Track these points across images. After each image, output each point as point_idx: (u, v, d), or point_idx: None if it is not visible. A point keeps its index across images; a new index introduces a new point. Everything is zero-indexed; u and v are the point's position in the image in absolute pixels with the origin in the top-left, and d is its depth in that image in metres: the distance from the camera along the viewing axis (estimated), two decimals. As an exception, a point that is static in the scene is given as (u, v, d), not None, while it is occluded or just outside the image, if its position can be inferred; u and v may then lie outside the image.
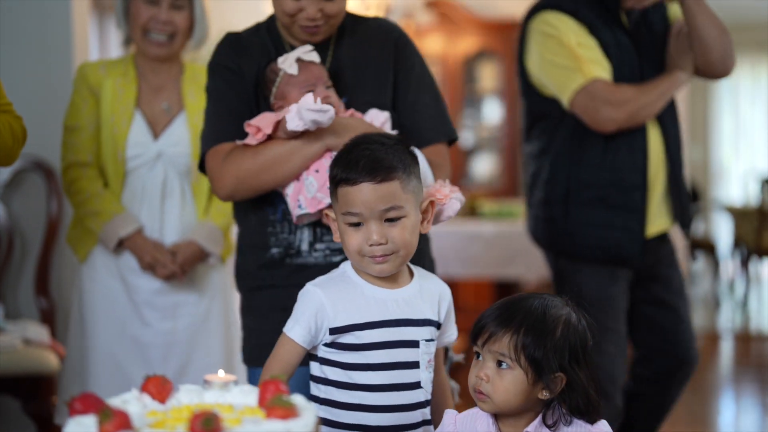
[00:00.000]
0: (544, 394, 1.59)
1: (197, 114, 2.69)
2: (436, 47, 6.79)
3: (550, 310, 1.62)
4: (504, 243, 4.82)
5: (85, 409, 1.23)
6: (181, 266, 2.68)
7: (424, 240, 2.21)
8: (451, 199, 1.97)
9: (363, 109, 2.08)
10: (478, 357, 1.63)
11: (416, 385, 1.75)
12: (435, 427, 1.78)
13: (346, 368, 1.75)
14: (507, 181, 6.74)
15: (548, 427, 1.60)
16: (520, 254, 4.78)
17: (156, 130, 2.75)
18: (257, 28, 2.19)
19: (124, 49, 2.95)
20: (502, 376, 1.59)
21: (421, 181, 1.80)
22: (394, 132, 2.06)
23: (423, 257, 2.18)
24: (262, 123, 1.99)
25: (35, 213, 3.46)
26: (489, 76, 6.98)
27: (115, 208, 2.68)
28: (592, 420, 1.61)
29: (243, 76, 2.11)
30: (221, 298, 2.82)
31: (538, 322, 1.59)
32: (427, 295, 1.80)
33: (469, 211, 5.14)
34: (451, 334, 1.87)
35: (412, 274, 1.82)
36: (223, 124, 2.09)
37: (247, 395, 1.34)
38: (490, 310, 1.64)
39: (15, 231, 3.47)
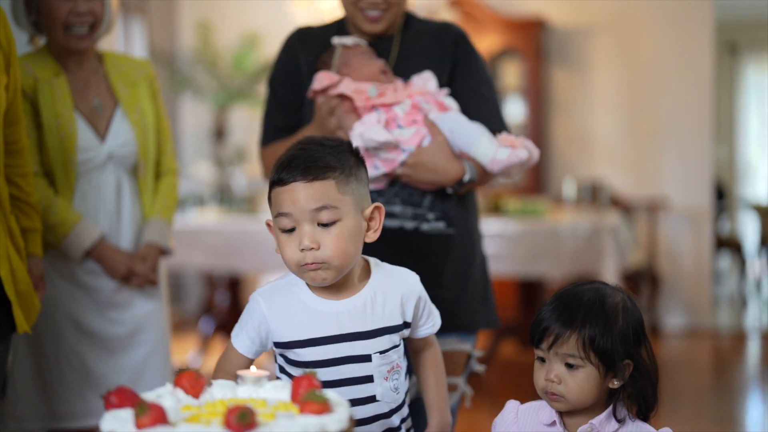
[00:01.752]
0: (615, 383, 1.61)
1: (134, 108, 2.62)
2: (460, 45, 6.78)
3: (607, 300, 1.63)
4: (529, 241, 4.80)
5: (121, 402, 1.24)
6: (152, 271, 2.63)
7: (477, 236, 2.24)
8: (524, 145, 2.04)
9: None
10: (542, 361, 1.63)
11: (371, 399, 1.67)
12: (429, 419, 1.76)
13: None
14: (531, 179, 6.71)
15: (618, 421, 1.60)
16: (545, 252, 4.76)
17: (98, 130, 2.59)
18: (328, 26, 2.31)
19: (32, 47, 2.67)
20: (573, 376, 1.60)
21: (366, 185, 1.68)
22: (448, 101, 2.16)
23: (474, 256, 2.20)
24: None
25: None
26: (513, 74, 6.96)
27: (72, 217, 2.52)
28: (651, 408, 1.62)
29: (299, 66, 2.24)
30: (165, 283, 2.80)
31: (600, 315, 1.60)
32: (385, 299, 1.68)
33: (493, 208, 5.12)
34: (431, 325, 1.78)
35: (369, 274, 1.70)
36: (273, 119, 2.30)
37: (280, 390, 1.34)
38: (548, 312, 1.63)
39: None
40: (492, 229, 4.79)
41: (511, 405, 1.71)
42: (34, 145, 2.50)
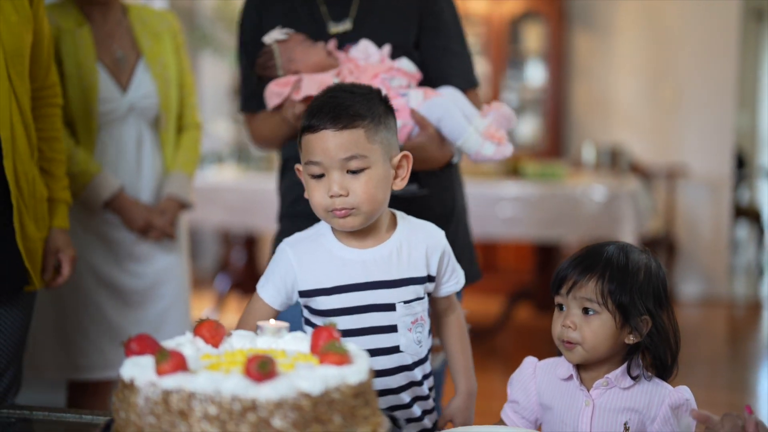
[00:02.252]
0: (631, 339, 1.61)
1: (157, 61, 2.62)
2: (481, 8, 6.71)
3: (632, 255, 1.63)
4: (546, 205, 4.78)
5: (141, 350, 1.24)
6: (171, 225, 2.64)
7: (454, 192, 2.18)
8: (508, 143, 1.96)
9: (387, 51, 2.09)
10: (561, 309, 1.64)
11: (395, 350, 1.68)
12: (452, 379, 1.79)
13: None
14: (550, 142, 6.67)
15: (632, 378, 1.60)
16: (563, 216, 4.74)
17: (120, 81, 2.59)
18: None
19: None
20: (589, 322, 1.60)
21: (395, 132, 1.70)
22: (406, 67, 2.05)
23: (453, 213, 2.15)
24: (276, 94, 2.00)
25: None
26: (534, 37, 6.89)
27: (92, 168, 2.53)
28: (670, 373, 1.62)
29: (264, 28, 2.09)
30: (185, 238, 2.81)
31: (621, 266, 1.60)
32: (410, 251, 1.69)
33: (512, 171, 5.10)
34: (455, 282, 1.78)
35: (395, 226, 1.72)
36: (252, 85, 2.16)
37: (299, 342, 1.35)
38: (569, 261, 1.65)
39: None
40: (510, 193, 4.77)
41: (529, 361, 1.72)
42: None
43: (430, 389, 1.78)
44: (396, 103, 1.88)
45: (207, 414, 1.11)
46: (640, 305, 1.59)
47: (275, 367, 1.14)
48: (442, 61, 2.12)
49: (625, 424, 1.60)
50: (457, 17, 2.17)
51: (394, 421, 1.28)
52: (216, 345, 1.32)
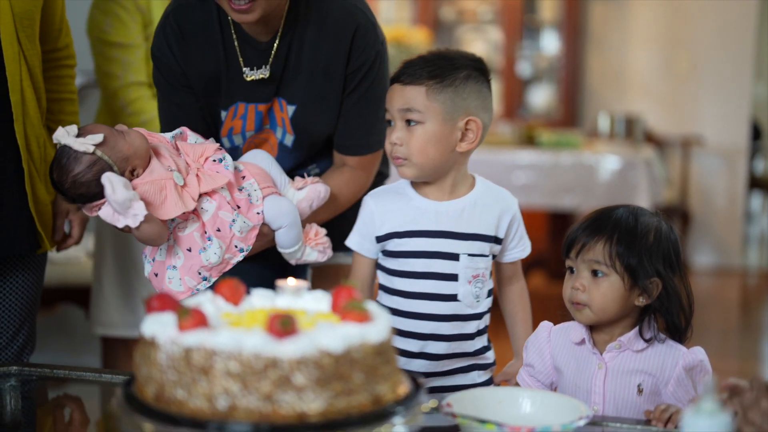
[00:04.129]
0: (641, 300, 1.61)
1: None
2: (497, -26, 6.66)
3: (641, 218, 1.63)
4: (561, 173, 4.77)
5: (162, 307, 1.25)
6: None
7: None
8: (329, 247, 1.96)
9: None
10: (571, 271, 1.64)
11: (452, 297, 1.80)
12: (512, 341, 1.89)
13: (390, 274, 1.83)
14: (565, 111, 6.64)
15: (645, 340, 1.60)
16: (578, 185, 4.73)
17: None
18: (205, 8, 1.94)
19: None
20: (598, 284, 1.60)
21: (466, 100, 1.76)
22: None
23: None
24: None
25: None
26: (549, 7, 6.83)
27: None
28: (684, 337, 1.62)
29: (188, 81, 1.96)
30: None
31: (630, 227, 1.60)
32: (483, 210, 1.82)
33: (527, 140, 5.08)
34: (521, 249, 1.89)
35: (473, 188, 1.84)
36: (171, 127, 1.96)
37: (319, 301, 1.35)
38: (579, 224, 1.66)
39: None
40: (525, 160, 4.75)
41: (544, 326, 1.73)
42: (146, 58, 2.51)
43: (485, 350, 1.88)
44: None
45: (228, 370, 1.11)
46: (649, 267, 1.58)
47: (297, 324, 1.15)
48: (345, 115, 2.00)
49: (638, 386, 1.60)
50: (379, 71, 1.97)
51: (414, 379, 1.28)
52: (236, 303, 1.32)
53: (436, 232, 1.79)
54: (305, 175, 2.03)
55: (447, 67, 1.76)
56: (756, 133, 8.25)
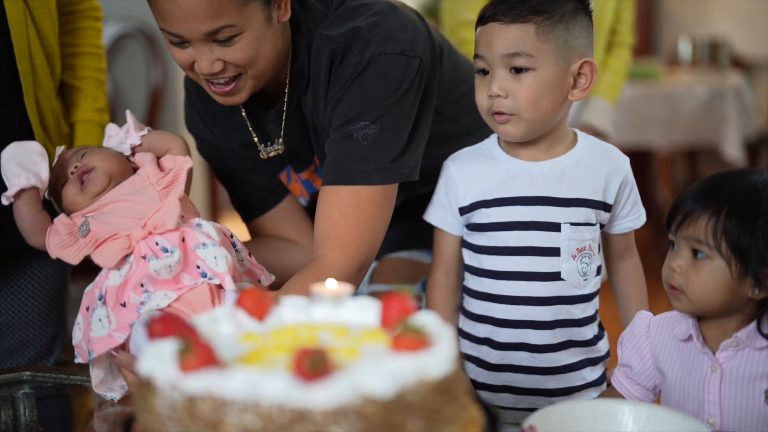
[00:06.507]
0: (755, 293, 1.27)
1: None
2: None
3: (767, 189, 1.27)
4: (640, 107, 4.44)
5: (166, 331, 0.98)
6: None
7: None
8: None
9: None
10: (673, 246, 1.33)
11: (555, 276, 1.50)
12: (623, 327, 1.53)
13: (477, 251, 1.55)
14: (641, 38, 6.21)
15: (765, 336, 1.29)
16: (658, 119, 4.42)
17: None
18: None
19: None
20: (698, 267, 1.28)
21: (576, 39, 1.49)
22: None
23: None
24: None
25: (136, 81, 3.26)
26: None
27: None
28: None
29: (233, 154, 1.78)
30: None
31: (746, 201, 1.25)
32: (587, 170, 1.53)
33: (602, 71, 4.73)
34: (635, 218, 1.59)
35: (575, 144, 1.55)
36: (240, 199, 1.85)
37: (365, 311, 1.07)
38: (691, 187, 1.32)
39: (118, 100, 3.28)
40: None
41: (642, 317, 1.42)
42: None
43: (596, 340, 1.58)
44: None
45: (244, 426, 0.85)
46: (766, 252, 1.24)
47: (330, 363, 0.87)
48: (334, 141, 1.64)
49: (766, 392, 1.29)
50: (378, 99, 1.61)
51: (490, 412, 1.01)
52: (261, 318, 1.06)
53: (531, 198, 1.51)
54: None
55: (551, 0, 1.48)
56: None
